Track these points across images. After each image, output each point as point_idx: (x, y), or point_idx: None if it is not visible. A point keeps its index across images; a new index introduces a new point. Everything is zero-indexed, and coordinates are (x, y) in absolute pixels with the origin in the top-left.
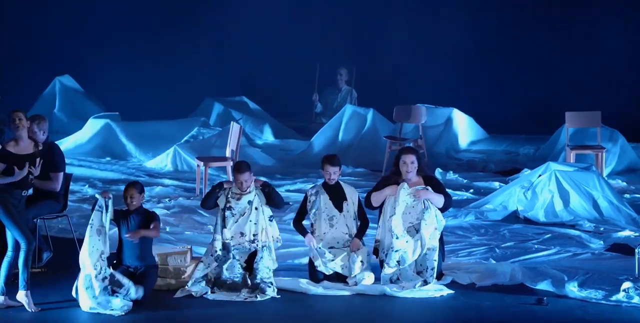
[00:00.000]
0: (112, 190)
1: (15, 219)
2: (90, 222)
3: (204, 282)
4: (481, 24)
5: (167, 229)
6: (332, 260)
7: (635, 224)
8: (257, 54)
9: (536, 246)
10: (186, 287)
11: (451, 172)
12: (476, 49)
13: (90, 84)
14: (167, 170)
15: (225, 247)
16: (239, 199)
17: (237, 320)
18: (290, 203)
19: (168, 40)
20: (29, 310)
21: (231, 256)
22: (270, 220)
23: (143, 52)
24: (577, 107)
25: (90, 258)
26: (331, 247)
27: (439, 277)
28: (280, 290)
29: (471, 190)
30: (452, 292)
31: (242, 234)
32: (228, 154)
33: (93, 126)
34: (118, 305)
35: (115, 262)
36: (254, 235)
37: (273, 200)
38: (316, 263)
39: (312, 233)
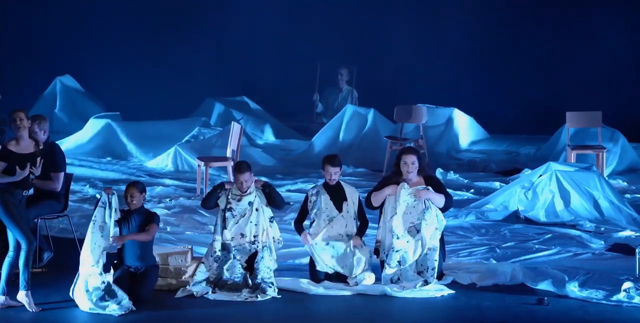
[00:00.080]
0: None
1: (16, 219)
2: (92, 218)
3: (205, 282)
4: (481, 24)
5: (168, 229)
6: (333, 257)
7: (636, 224)
8: (258, 53)
9: (537, 246)
10: (187, 287)
11: (452, 172)
12: (477, 49)
13: (91, 84)
14: (168, 170)
15: (226, 248)
16: (239, 200)
17: (238, 320)
18: (291, 203)
19: (168, 40)
20: (30, 310)
21: (232, 256)
22: (271, 221)
23: (143, 52)
24: (577, 107)
25: (92, 255)
26: (329, 243)
27: (440, 277)
28: (281, 290)
29: (472, 190)
30: (452, 292)
31: (242, 235)
32: (229, 154)
33: (94, 126)
34: (115, 308)
35: (116, 262)
36: (254, 236)
37: (274, 200)
38: (315, 261)
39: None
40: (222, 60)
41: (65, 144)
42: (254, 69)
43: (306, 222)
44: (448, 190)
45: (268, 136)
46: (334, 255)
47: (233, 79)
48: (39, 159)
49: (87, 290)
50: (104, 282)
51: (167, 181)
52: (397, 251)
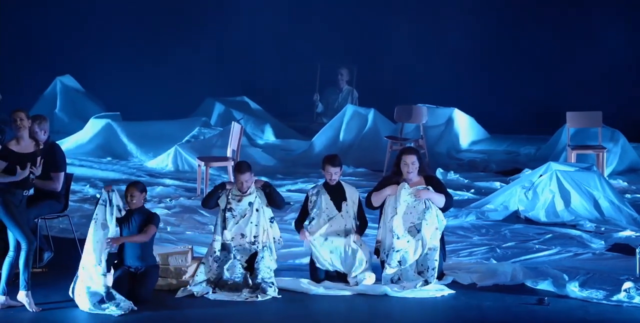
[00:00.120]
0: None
1: (16, 219)
2: (94, 216)
3: (205, 282)
4: (481, 24)
5: (168, 229)
6: (331, 253)
7: (636, 224)
8: (258, 53)
9: (537, 246)
10: (187, 287)
11: (452, 172)
12: (477, 49)
13: (91, 84)
14: (168, 170)
15: (226, 248)
16: (239, 201)
17: (238, 320)
18: (291, 203)
19: (168, 40)
20: (30, 310)
21: (232, 256)
22: (272, 222)
23: (143, 52)
24: (577, 107)
25: (95, 253)
26: (327, 239)
27: (440, 277)
28: (281, 290)
29: (472, 190)
30: (453, 292)
31: (242, 236)
32: (229, 153)
33: (94, 126)
34: (114, 309)
35: (116, 262)
36: (254, 236)
37: (274, 200)
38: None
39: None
40: (222, 60)
41: (66, 144)
42: (254, 69)
43: (306, 223)
44: (448, 190)
45: (268, 136)
46: (332, 250)
47: (233, 79)
48: (39, 159)
49: (87, 293)
50: (104, 286)
51: (168, 181)
52: (397, 251)
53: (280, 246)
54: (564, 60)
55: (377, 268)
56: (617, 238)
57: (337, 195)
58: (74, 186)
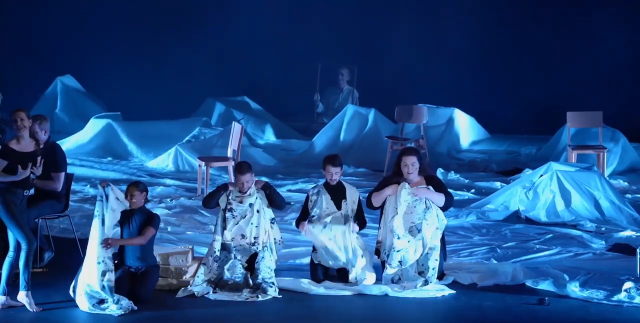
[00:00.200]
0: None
1: (16, 219)
2: (95, 213)
3: (206, 282)
4: (481, 24)
5: (169, 229)
6: (330, 240)
7: (636, 224)
8: (258, 53)
9: (538, 246)
10: (188, 287)
11: (453, 172)
12: (477, 48)
13: (92, 84)
14: (169, 170)
15: (226, 248)
16: (240, 202)
17: (239, 320)
18: (292, 203)
19: (169, 40)
20: (30, 310)
21: (232, 256)
22: (272, 223)
23: (144, 52)
24: (578, 107)
25: (99, 248)
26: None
27: (441, 277)
28: (281, 290)
29: (473, 190)
30: (453, 292)
31: (242, 236)
32: (229, 154)
33: (94, 126)
34: (114, 309)
35: (116, 262)
36: (254, 238)
37: (274, 201)
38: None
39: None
40: (222, 60)
41: (66, 144)
42: (255, 69)
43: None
44: (449, 190)
45: (269, 136)
46: (331, 237)
47: (233, 79)
48: (39, 158)
49: (87, 293)
50: (103, 287)
51: (168, 181)
52: (398, 251)
53: (281, 247)
54: (564, 60)
55: (378, 268)
56: (618, 239)
57: (338, 195)
58: (74, 186)
